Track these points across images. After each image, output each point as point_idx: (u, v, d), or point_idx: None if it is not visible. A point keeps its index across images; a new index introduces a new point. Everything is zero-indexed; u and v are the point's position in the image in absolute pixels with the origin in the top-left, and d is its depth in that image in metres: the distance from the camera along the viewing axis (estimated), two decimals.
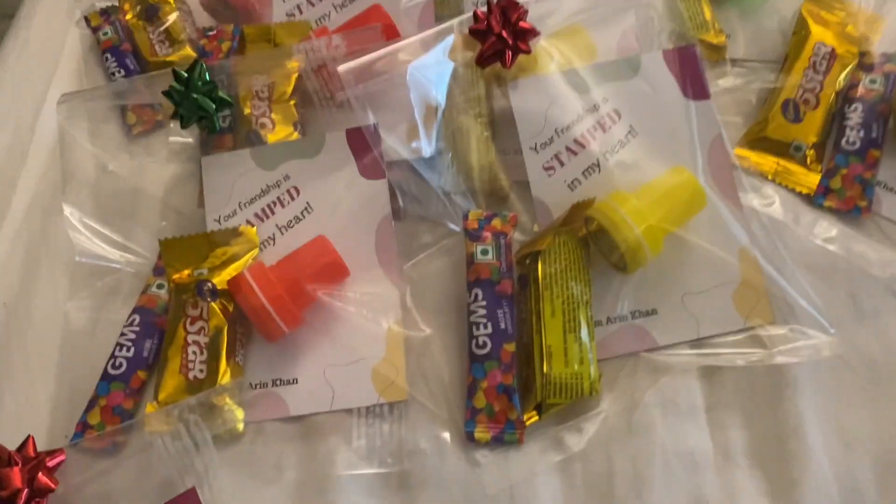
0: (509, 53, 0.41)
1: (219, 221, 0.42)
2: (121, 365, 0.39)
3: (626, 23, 0.44)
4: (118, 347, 0.39)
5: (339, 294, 0.40)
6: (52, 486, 0.33)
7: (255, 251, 0.41)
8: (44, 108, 0.50)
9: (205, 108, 0.41)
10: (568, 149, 0.41)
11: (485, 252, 0.40)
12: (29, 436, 0.34)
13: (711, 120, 0.41)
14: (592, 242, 0.39)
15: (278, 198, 0.42)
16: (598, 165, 0.41)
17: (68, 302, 0.42)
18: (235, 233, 0.41)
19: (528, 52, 0.41)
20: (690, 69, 0.42)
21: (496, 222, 0.41)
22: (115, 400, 0.38)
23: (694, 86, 0.42)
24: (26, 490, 0.32)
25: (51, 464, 0.33)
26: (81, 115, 0.47)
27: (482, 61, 0.41)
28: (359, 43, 0.42)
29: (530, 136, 0.42)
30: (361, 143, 0.42)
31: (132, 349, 0.39)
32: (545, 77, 0.42)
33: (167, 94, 0.41)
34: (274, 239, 0.42)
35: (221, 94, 0.42)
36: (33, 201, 0.47)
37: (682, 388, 0.38)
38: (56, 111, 0.44)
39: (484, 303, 0.38)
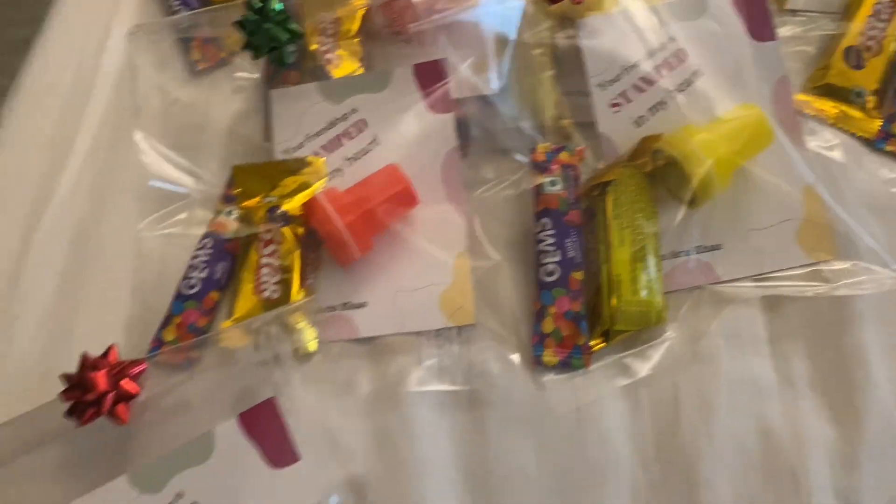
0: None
1: (287, 153, 0.43)
2: (195, 285, 0.40)
3: None
4: (191, 269, 0.40)
5: (407, 222, 0.41)
6: (136, 391, 0.34)
7: (324, 181, 0.42)
8: (107, 43, 0.51)
9: (277, 38, 0.42)
10: (635, 86, 0.42)
11: (553, 183, 0.40)
12: (112, 344, 0.34)
13: (777, 61, 0.42)
14: (660, 177, 0.40)
15: (345, 130, 0.43)
16: (665, 103, 0.42)
17: (140, 225, 0.43)
18: (304, 163, 0.42)
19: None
20: (757, 10, 0.42)
21: (563, 155, 0.41)
22: (189, 318, 0.39)
23: (760, 27, 0.42)
24: (112, 393, 0.33)
25: (133, 371, 0.34)
26: (147, 50, 0.47)
27: None
28: None
29: (597, 73, 0.42)
30: (429, 78, 0.42)
31: (205, 270, 0.40)
32: (612, 16, 0.42)
33: (239, 24, 0.42)
34: (342, 170, 0.43)
35: (293, 25, 0.42)
36: (100, 132, 0.47)
37: (745, 320, 0.38)
38: (126, 40, 0.45)
39: (552, 231, 0.39)
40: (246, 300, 0.39)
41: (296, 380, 0.36)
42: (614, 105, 0.42)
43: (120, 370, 0.34)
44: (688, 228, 0.40)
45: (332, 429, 0.36)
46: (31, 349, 0.40)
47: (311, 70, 0.45)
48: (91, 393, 0.33)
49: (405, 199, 0.40)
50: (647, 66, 0.42)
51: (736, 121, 0.39)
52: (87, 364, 0.34)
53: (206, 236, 0.41)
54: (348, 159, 0.43)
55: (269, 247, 0.40)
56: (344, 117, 0.43)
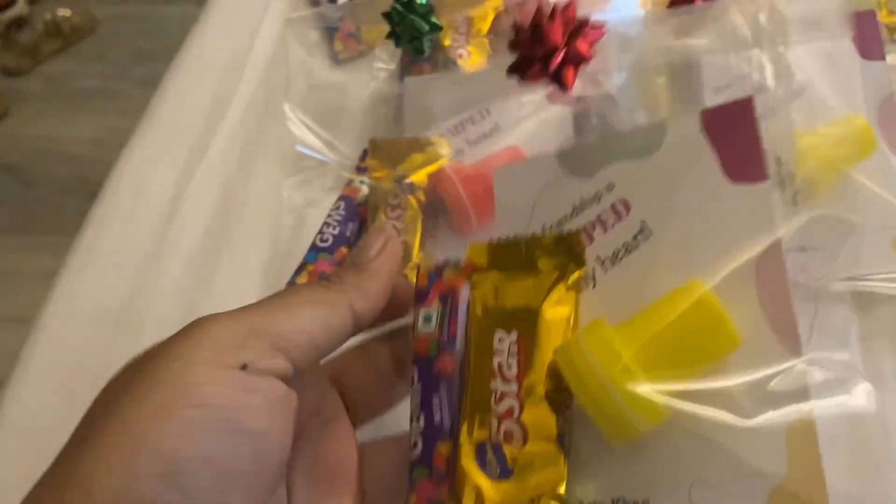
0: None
1: (415, 134, 0.47)
2: (327, 240, 0.44)
3: None
4: (325, 226, 0.45)
5: None
6: (589, 55, 0.30)
7: (447, 159, 0.46)
8: (260, 30, 0.57)
9: (419, 28, 0.46)
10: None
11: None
12: None
13: (884, 80, 0.44)
14: None
15: (470, 117, 0.47)
16: (774, 111, 0.44)
17: (284, 183, 0.48)
18: (430, 142, 0.46)
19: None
20: (868, 30, 0.44)
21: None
22: (321, 267, 0.43)
23: (870, 47, 0.44)
24: (564, 50, 0.29)
25: (592, 34, 0.30)
26: (298, 39, 0.53)
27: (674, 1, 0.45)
28: None
29: (712, 80, 0.45)
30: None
31: (337, 228, 0.45)
32: (730, 27, 0.45)
33: (387, 14, 0.47)
34: (463, 152, 0.47)
35: (434, 19, 0.47)
36: (249, 106, 0.53)
37: (837, 317, 0.40)
38: (283, 26, 0.50)
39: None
40: None
41: None
42: None
43: (577, 27, 0.30)
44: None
45: None
46: (177, 287, 0.45)
47: (443, 63, 0.50)
48: (542, 47, 0.29)
49: None
50: (758, 76, 0.44)
51: (840, 127, 0.42)
52: (541, 14, 0.30)
53: (340, 199, 0.46)
54: (470, 142, 0.47)
55: (396, 211, 0.44)
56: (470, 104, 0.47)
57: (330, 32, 0.55)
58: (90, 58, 1.83)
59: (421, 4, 0.46)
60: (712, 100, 0.45)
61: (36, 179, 1.54)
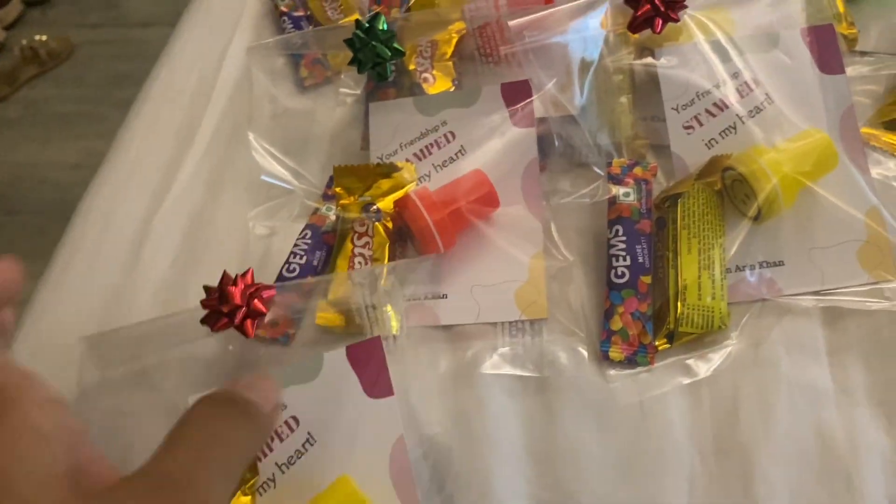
0: (659, 21, 0.44)
1: (381, 159, 0.47)
2: (294, 270, 0.44)
3: (763, 3, 0.47)
4: (292, 255, 0.44)
5: (489, 223, 0.44)
6: (264, 310, 0.37)
7: (414, 184, 0.46)
8: (228, 55, 0.56)
9: (381, 55, 0.46)
10: (707, 111, 0.44)
11: (626, 194, 0.43)
12: (249, 268, 0.38)
13: (844, 92, 0.44)
14: (728, 194, 0.42)
15: (435, 140, 0.47)
16: (735, 127, 0.44)
17: (250, 213, 0.47)
18: (396, 167, 0.46)
19: (676, 20, 0.44)
20: (827, 45, 0.44)
21: (637, 170, 0.44)
22: (288, 299, 0.43)
23: (829, 61, 0.44)
24: (244, 308, 0.37)
25: (265, 294, 0.38)
26: (261, 67, 0.53)
27: (634, 27, 0.44)
28: (521, 4, 0.46)
29: (673, 97, 0.45)
30: (514, 96, 0.46)
31: (304, 257, 0.44)
32: (690, 45, 0.45)
33: (349, 41, 0.46)
34: (429, 175, 0.46)
35: (396, 44, 0.46)
36: (217, 133, 0.52)
37: (805, 331, 0.40)
38: (246, 54, 0.50)
39: (624, 238, 0.41)
40: (339, 285, 0.43)
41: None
42: (687, 127, 0.44)
43: (254, 290, 0.37)
44: (753, 245, 0.42)
45: (412, 403, 0.39)
46: (146, 318, 0.44)
47: (409, 87, 0.49)
48: (226, 305, 0.36)
49: (488, 201, 0.44)
50: (719, 93, 0.44)
51: (802, 143, 0.41)
52: (227, 280, 0.37)
53: (306, 227, 0.45)
54: (436, 166, 0.46)
55: (363, 239, 0.44)
56: (435, 128, 0.47)
57: (295, 59, 0.55)
58: (68, 82, 1.81)
59: (382, 30, 0.46)
60: (673, 117, 0.44)
61: (17, 206, 1.53)
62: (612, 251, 0.41)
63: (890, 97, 0.48)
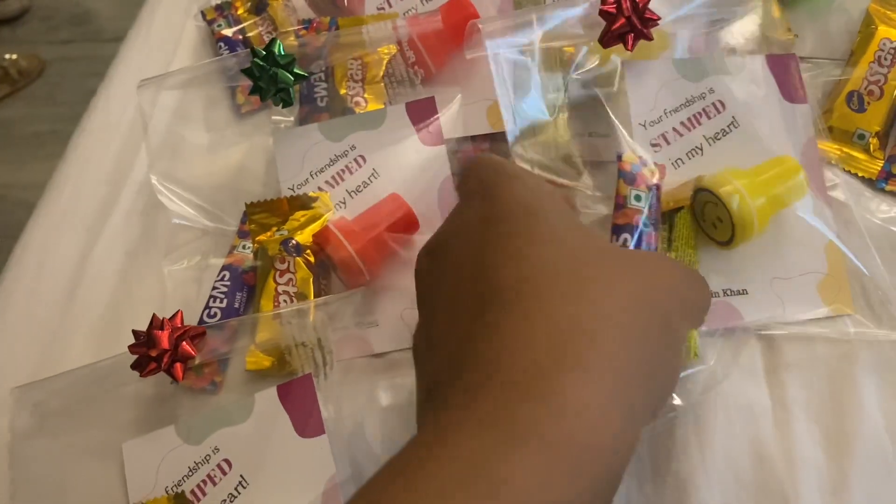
0: (631, 37, 0.41)
1: (292, 189, 0.45)
2: (215, 314, 0.43)
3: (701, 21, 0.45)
4: (211, 299, 0.43)
5: (410, 245, 0.43)
6: (193, 353, 0.37)
7: (331, 213, 0.44)
8: (160, 94, 0.54)
9: (284, 80, 0.44)
10: (674, 129, 0.42)
11: (638, 197, 0.39)
12: (178, 310, 0.38)
13: (807, 122, 0.43)
14: (697, 217, 0.40)
15: (346, 166, 0.45)
16: (702, 149, 0.42)
17: (164, 260, 0.46)
18: (311, 198, 0.44)
19: (650, 38, 0.41)
20: (789, 76, 0.43)
21: (644, 171, 0.40)
22: (211, 344, 0.42)
23: (792, 91, 0.43)
24: (171, 352, 0.37)
25: (193, 336, 0.38)
26: (195, 95, 0.52)
27: (606, 41, 0.41)
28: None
29: (640, 113, 0.43)
30: (421, 114, 0.44)
31: (225, 301, 0.43)
32: (657, 62, 0.43)
33: (247, 70, 0.45)
34: (345, 202, 0.45)
35: (297, 69, 0.45)
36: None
37: (744, 350, 0.39)
38: (138, 91, 0.47)
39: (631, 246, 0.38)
40: (266, 326, 0.42)
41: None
42: (655, 144, 0.42)
43: (182, 333, 0.37)
44: (717, 271, 0.40)
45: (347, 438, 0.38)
46: (80, 360, 0.44)
47: (341, 111, 0.48)
48: (154, 349, 0.37)
49: (408, 224, 0.43)
50: (686, 113, 0.43)
51: (774, 169, 0.40)
52: (155, 324, 0.37)
53: (224, 269, 0.44)
54: (350, 192, 0.45)
55: (285, 276, 0.43)
56: (344, 154, 0.45)
57: (231, 86, 0.53)
58: (40, 101, 1.80)
59: (281, 56, 0.44)
60: (640, 132, 0.42)
61: None
62: None
63: (826, 104, 0.46)
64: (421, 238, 0.43)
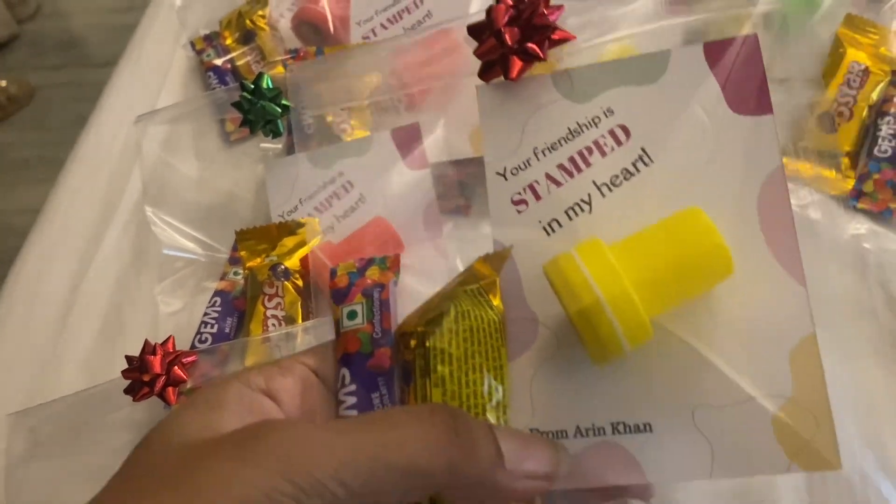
0: (513, 59, 0.28)
1: (283, 216, 0.46)
2: (206, 339, 0.43)
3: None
4: (203, 325, 0.43)
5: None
6: (185, 377, 0.37)
7: (318, 238, 0.45)
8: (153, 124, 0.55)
9: (271, 112, 0.45)
10: (549, 176, 0.28)
11: (352, 314, 0.29)
12: (170, 335, 0.38)
13: (769, 145, 0.26)
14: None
15: (334, 192, 0.46)
16: (590, 202, 0.28)
17: (156, 288, 0.46)
18: (299, 223, 0.45)
19: (542, 58, 0.28)
20: (746, 67, 0.27)
21: (372, 271, 0.30)
22: (203, 368, 0.42)
23: (748, 94, 0.26)
24: (164, 376, 0.37)
25: (185, 360, 0.38)
26: (185, 126, 0.52)
27: (480, 72, 0.29)
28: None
29: (498, 157, 0.29)
30: (405, 140, 0.45)
31: (216, 326, 0.43)
32: (526, 80, 0.29)
33: (236, 104, 0.45)
34: (333, 227, 0.45)
35: (284, 101, 0.46)
36: (142, 196, 0.51)
37: None
38: (136, 125, 0.48)
39: (353, 388, 0.27)
40: (255, 350, 0.42)
41: None
42: (518, 202, 0.29)
43: (174, 357, 0.38)
44: (598, 394, 0.25)
45: None
46: (74, 386, 0.44)
47: (329, 139, 0.48)
48: (147, 374, 0.37)
49: (392, 246, 0.43)
50: (569, 150, 0.28)
51: (673, 236, 0.24)
52: (147, 349, 0.37)
53: (215, 295, 0.44)
54: (338, 217, 0.45)
55: (273, 300, 0.43)
56: (332, 180, 0.46)
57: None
58: (29, 127, 1.79)
59: (268, 89, 0.45)
60: (497, 185, 0.30)
61: None
62: (341, 409, 0.27)
63: (800, 125, 0.47)
64: (406, 257, 0.43)
